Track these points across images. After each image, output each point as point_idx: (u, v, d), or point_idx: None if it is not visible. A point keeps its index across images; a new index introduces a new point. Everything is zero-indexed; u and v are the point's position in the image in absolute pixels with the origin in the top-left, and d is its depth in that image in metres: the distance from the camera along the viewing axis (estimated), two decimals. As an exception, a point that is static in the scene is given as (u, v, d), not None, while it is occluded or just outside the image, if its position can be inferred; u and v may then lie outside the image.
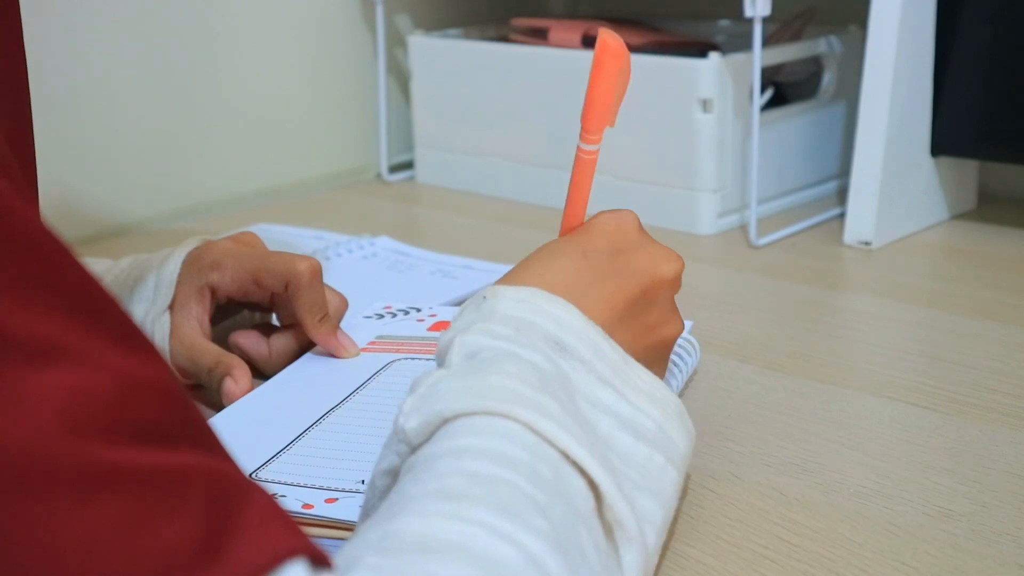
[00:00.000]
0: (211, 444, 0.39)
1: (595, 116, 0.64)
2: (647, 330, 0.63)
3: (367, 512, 0.52)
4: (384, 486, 0.51)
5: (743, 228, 1.10)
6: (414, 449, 0.49)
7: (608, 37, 0.63)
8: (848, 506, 0.62)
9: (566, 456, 0.48)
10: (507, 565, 0.41)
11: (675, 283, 0.65)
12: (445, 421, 0.49)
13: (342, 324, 0.80)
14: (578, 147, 0.65)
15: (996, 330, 0.86)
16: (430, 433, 0.49)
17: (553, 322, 0.56)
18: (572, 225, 0.66)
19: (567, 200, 0.66)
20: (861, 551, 0.58)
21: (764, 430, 0.71)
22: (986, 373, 0.78)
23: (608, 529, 0.49)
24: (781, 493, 0.63)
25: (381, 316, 0.86)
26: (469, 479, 0.45)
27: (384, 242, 1.06)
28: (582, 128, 0.64)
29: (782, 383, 0.78)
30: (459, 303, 0.92)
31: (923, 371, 0.80)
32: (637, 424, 0.55)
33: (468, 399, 0.49)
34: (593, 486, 0.49)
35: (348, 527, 0.57)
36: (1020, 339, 0.84)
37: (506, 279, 0.60)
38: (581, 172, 0.65)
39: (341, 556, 0.40)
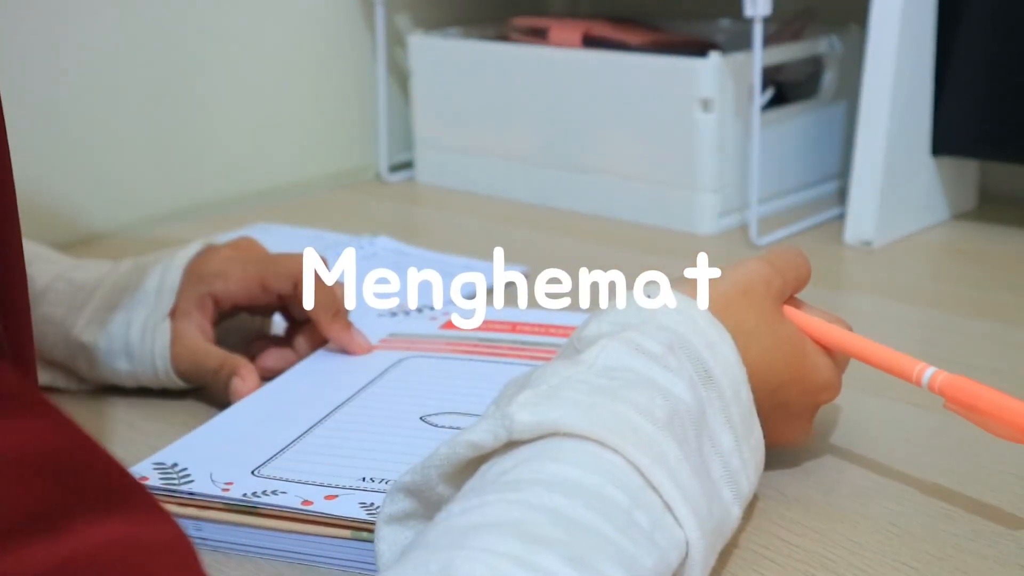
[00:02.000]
0: (117, 500, 0.34)
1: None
2: (769, 419, 0.59)
3: (425, 467, 0.50)
4: (461, 456, 0.49)
5: (743, 228, 1.10)
6: (512, 442, 0.48)
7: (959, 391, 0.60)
8: (848, 506, 0.62)
9: (669, 507, 0.47)
10: None
11: (819, 404, 0.64)
12: (555, 434, 0.48)
13: (355, 322, 0.80)
14: None
15: (996, 330, 0.86)
16: (536, 436, 0.48)
17: (707, 346, 0.55)
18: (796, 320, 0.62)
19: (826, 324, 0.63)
20: (861, 551, 0.58)
21: (764, 430, 0.71)
22: (986, 373, 0.78)
23: None
24: (781, 493, 0.63)
25: (394, 314, 0.86)
26: (553, 517, 0.43)
27: (384, 242, 1.06)
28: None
29: (782, 383, 0.77)
30: (465, 299, 0.92)
31: (923, 371, 0.79)
32: (739, 481, 0.54)
33: (586, 421, 0.48)
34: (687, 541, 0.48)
35: (347, 525, 0.57)
36: (1020, 339, 0.84)
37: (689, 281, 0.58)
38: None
39: None
